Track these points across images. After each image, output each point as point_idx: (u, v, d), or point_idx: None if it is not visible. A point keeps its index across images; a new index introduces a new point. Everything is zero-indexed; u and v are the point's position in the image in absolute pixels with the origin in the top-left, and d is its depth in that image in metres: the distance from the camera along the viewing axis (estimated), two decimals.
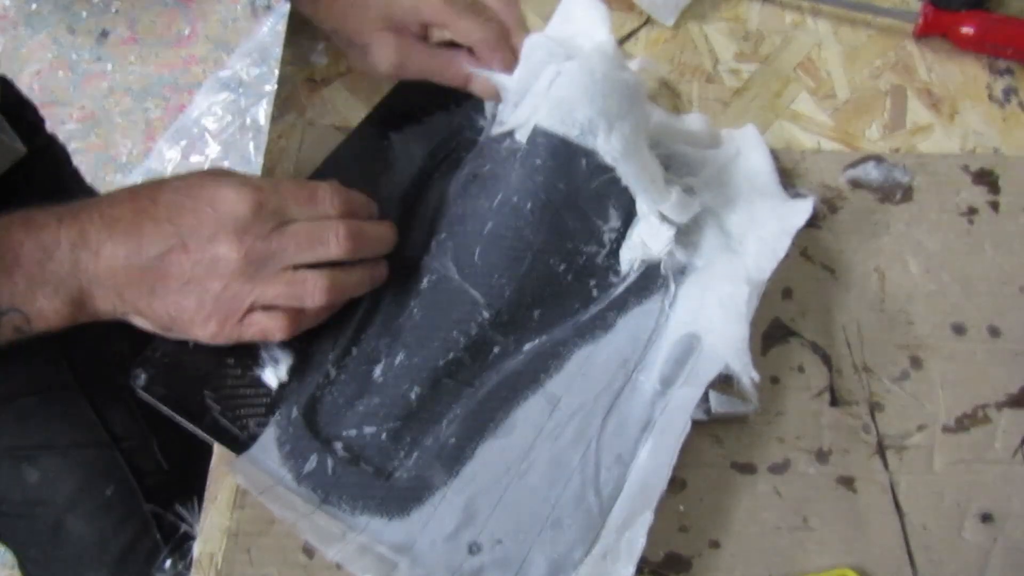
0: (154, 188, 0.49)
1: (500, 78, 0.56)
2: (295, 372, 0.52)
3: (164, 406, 0.51)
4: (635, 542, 0.46)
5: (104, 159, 1.65)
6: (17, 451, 0.68)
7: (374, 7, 0.56)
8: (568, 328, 0.53)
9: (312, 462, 0.49)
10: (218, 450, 0.52)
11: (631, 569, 0.46)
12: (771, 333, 0.56)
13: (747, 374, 0.50)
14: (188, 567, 0.50)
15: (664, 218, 0.53)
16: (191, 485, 0.53)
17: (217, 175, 0.50)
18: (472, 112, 0.60)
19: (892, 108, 0.66)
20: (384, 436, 0.50)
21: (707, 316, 0.52)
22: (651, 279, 0.54)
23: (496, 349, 0.52)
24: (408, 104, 0.61)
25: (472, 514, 0.48)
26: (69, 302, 0.47)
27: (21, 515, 0.68)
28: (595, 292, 0.54)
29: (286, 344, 0.52)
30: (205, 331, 0.48)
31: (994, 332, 0.57)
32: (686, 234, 0.54)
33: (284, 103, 0.65)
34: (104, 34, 1.82)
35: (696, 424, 0.52)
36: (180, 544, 0.61)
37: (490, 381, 0.52)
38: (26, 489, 0.68)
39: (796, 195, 0.58)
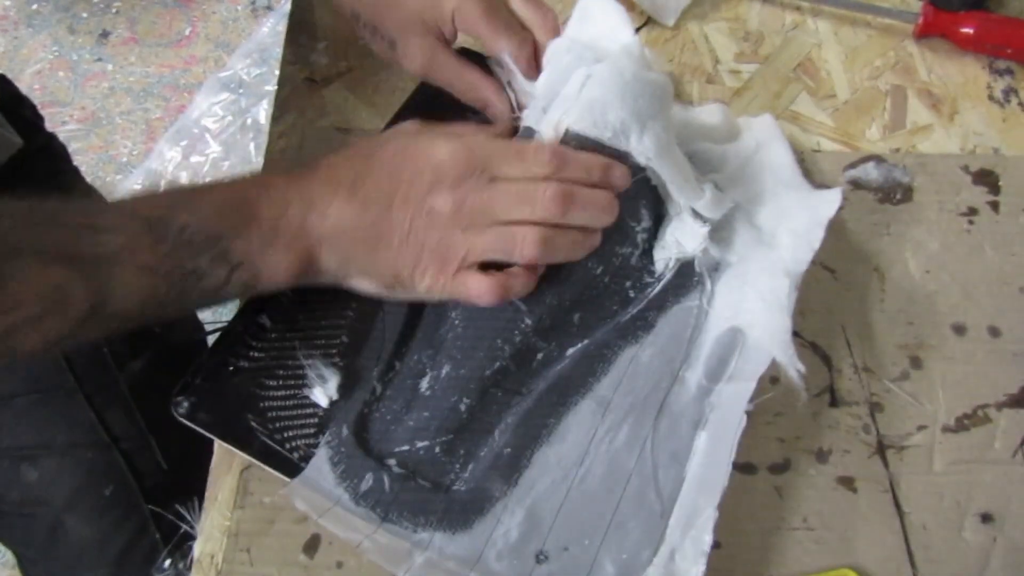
0: (369, 148, 0.51)
1: (524, 83, 0.55)
2: (341, 389, 0.52)
3: (209, 434, 0.51)
4: (701, 539, 0.46)
5: (104, 159, 1.65)
6: (16, 451, 0.68)
7: (411, 5, 0.56)
8: (610, 330, 0.53)
9: (368, 480, 0.49)
10: (219, 450, 0.52)
11: (701, 567, 0.46)
12: None
13: (793, 365, 0.50)
14: (188, 567, 0.50)
15: (697, 215, 0.52)
16: (190, 485, 0.53)
17: (428, 131, 0.52)
18: None
19: (892, 108, 0.66)
20: (438, 450, 0.50)
21: (748, 310, 0.52)
22: (686, 277, 0.54)
23: (540, 355, 0.52)
24: (432, 106, 0.60)
25: (535, 523, 0.48)
26: (297, 259, 0.48)
27: (20, 515, 0.68)
28: (631, 293, 0.53)
29: (330, 362, 0.52)
30: (422, 283, 0.49)
31: (994, 332, 0.57)
32: (717, 230, 0.54)
33: (284, 103, 0.65)
34: (104, 34, 1.82)
35: None
36: (180, 544, 0.61)
37: (538, 388, 0.51)
38: (25, 489, 0.68)
39: (820, 186, 0.58)
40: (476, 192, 0.48)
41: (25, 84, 0.77)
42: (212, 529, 0.50)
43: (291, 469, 0.49)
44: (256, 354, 0.53)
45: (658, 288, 0.53)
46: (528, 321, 0.51)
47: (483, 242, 0.48)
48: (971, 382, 0.55)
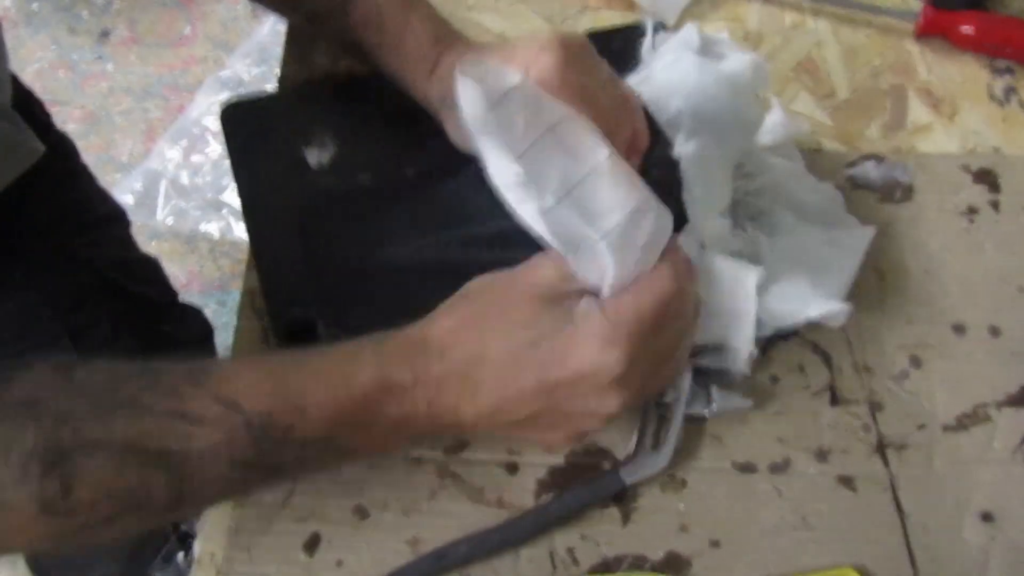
0: (516, 344, 0.43)
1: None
2: None
3: None
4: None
5: (104, 159, 1.65)
6: None
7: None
8: None
9: None
10: None
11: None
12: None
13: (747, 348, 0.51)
14: (188, 565, 0.50)
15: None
16: None
17: (578, 322, 0.43)
18: None
19: (892, 108, 0.66)
20: None
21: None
22: None
23: None
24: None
25: None
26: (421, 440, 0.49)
27: None
28: None
29: None
30: (553, 442, 0.47)
31: (994, 331, 0.57)
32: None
33: None
34: (104, 34, 1.82)
35: (696, 423, 0.53)
36: (183, 540, 0.62)
37: None
38: None
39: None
40: (631, 385, 0.43)
41: (25, 84, 0.77)
42: (212, 527, 0.50)
43: None
44: None
45: None
46: None
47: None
48: (971, 381, 0.55)
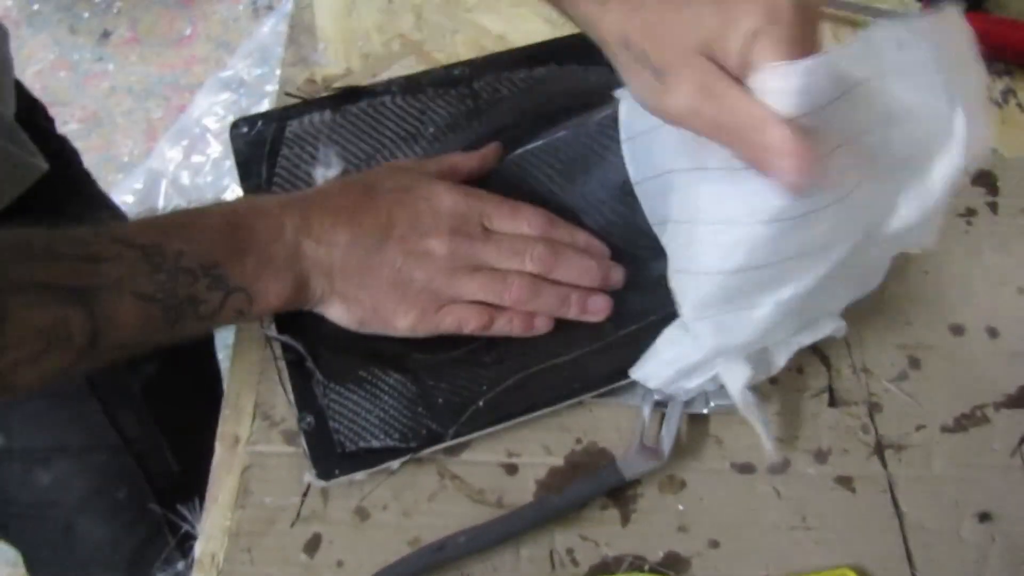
0: (368, 181, 0.53)
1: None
2: None
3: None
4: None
5: (105, 159, 1.65)
6: (29, 454, 0.68)
7: (697, 27, 0.41)
8: None
9: None
10: (219, 450, 0.52)
11: None
12: None
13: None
14: (189, 567, 0.50)
15: None
16: (203, 487, 0.54)
17: (426, 174, 0.54)
18: None
19: None
20: None
21: None
22: None
23: None
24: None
25: None
26: (290, 285, 0.49)
27: (32, 516, 0.69)
28: None
29: None
30: (405, 321, 0.50)
31: (992, 333, 0.57)
32: None
33: (285, 103, 0.65)
34: (105, 34, 1.82)
35: (697, 423, 0.53)
36: (182, 544, 0.62)
37: None
38: (37, 491, 0.68)
39: None
40: (471, 240, 0.51)
41: (26, 84, 0.77)
42: (213, 529, 0.50)
43: None
44: None
45: None
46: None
47: (471, 286, 0.51)
48: (969, 382, 0.55)
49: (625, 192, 0.56)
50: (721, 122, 0.40)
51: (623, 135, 0.55)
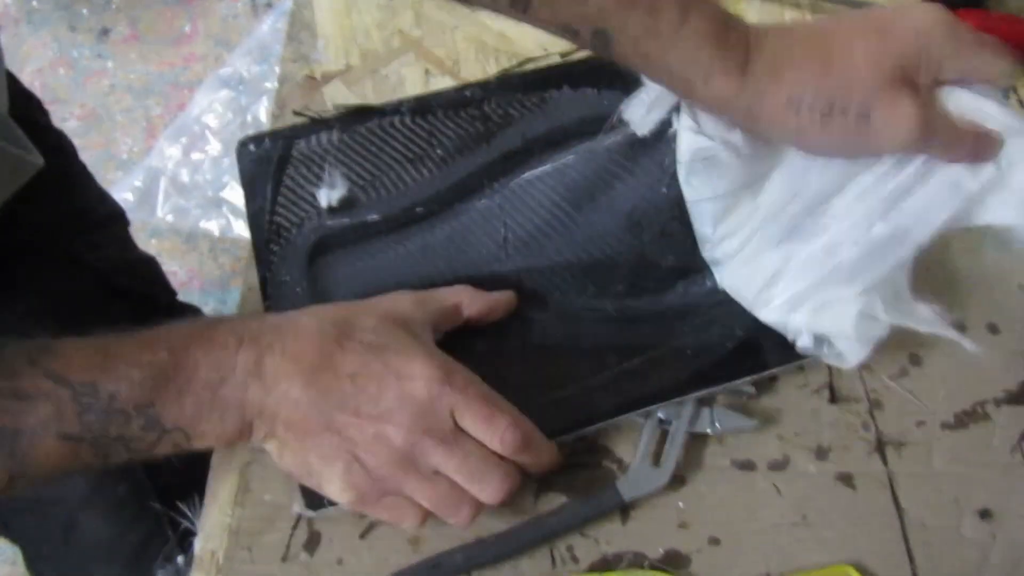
0: (347, 323, 0.48)
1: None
2: None
3: None
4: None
5: (105, 157, 1.65)
6: None
7: (882, 56, 0.43)
8: None
9: None
10: (219, 450, 0.52)
11: None
12: None
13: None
14: (189, 564, 0.50)
15: None
16: (204, 484, 0.53)
17: (412, 334, 0.48)
18: None
19: None
20: None
21: None
22: None
23: None
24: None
25: None
26: (231, 427, 0.46)
27: (33, 513, 0.69)
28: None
29: None
30: (341, 497, 0.47)
31: (993, 329, 0.57)
32: None
33: (284, 101, 0.65)
34: (105, 32, 1.82)
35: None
36: (182, 541, 0.62)
37: None
38: (39, 488, 0.68)
39: None
40: (433, 443, 0.46)
41: (25, 82, 0.77)
42: (213, 526, 0.50)
43: None
44: None
45: None
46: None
47: (424, 492, 0.46)
48: (970, 379, 0.55)
49: (632, 221, 0.55)
50: (950, 145, 0.46)
51: (682, 157, 0.52)
